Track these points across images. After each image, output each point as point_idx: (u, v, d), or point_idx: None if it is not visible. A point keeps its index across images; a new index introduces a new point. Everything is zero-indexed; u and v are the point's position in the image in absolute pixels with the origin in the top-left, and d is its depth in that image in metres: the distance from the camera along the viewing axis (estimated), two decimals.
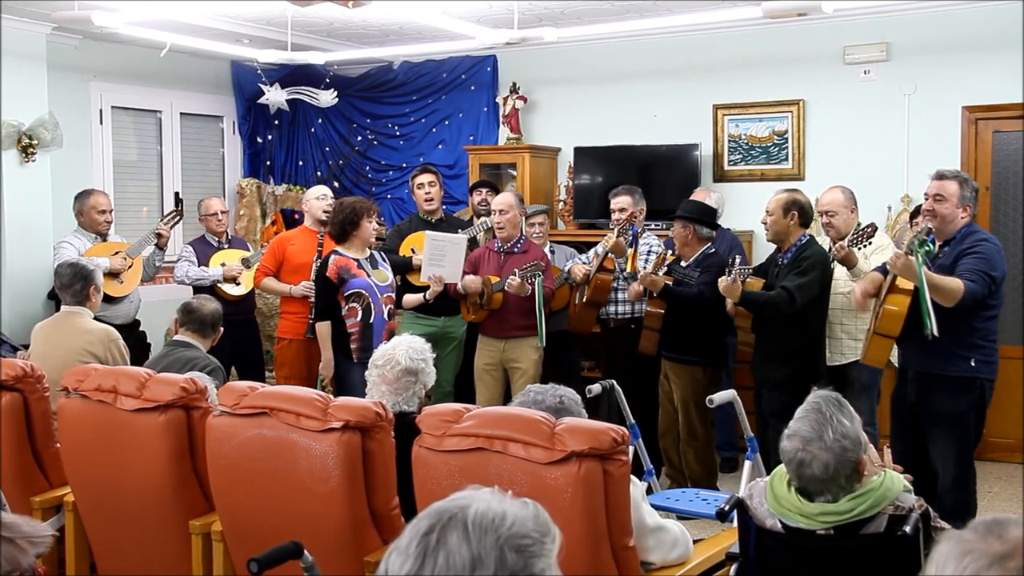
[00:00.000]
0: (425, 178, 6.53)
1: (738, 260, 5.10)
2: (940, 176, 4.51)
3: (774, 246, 5.41)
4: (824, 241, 5.48)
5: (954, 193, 4.44)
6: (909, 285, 4.34)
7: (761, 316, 5.17)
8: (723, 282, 5.03)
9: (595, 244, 6.30)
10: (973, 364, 4.43)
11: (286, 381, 6.04)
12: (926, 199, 4.53)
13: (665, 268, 5.56)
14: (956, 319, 4.32)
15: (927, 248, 4.20)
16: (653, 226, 6.79)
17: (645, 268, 5.77)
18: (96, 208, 6.46)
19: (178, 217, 6.75)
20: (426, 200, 6.49)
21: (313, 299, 5.98)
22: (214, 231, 6.73)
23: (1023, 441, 6.52)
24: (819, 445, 2.58)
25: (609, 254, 5.86)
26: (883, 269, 4.78)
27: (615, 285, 5.95)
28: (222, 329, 4.83)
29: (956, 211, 4.46)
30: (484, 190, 6.96)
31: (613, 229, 5.88)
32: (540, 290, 5.70)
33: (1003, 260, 4.45)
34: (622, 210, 6.00)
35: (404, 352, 3.68)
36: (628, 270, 5.84)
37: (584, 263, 6.09)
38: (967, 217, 4.49)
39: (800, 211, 5.18)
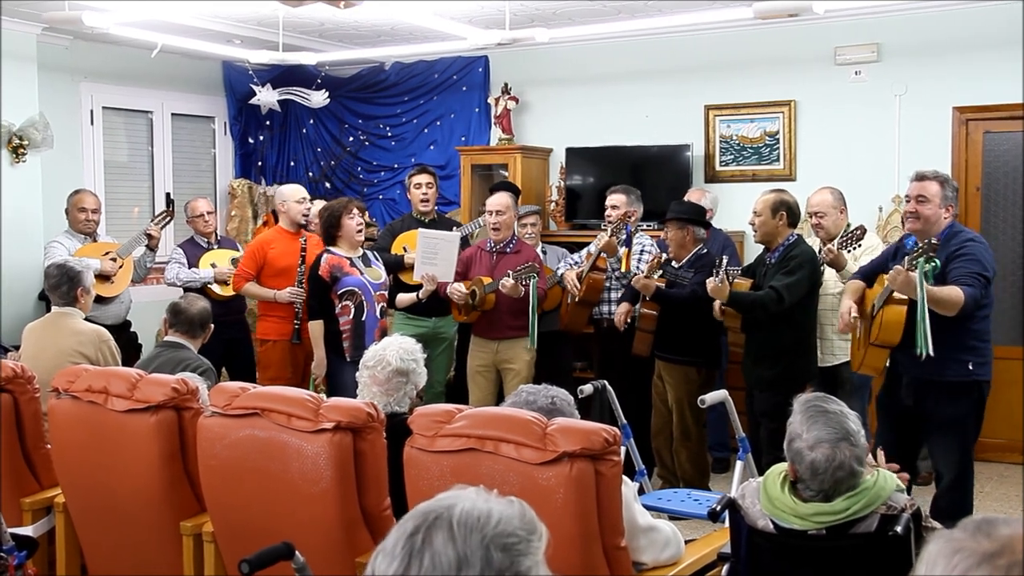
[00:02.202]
0: (423, 178, 6.53)
1: (725, 261, 5.11)
2: (921, 177, 4.43)
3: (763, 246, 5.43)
4: (814, 242, 5.49)
5: (936, 193, 4.37)
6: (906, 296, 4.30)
7: (750, 316, 5.17)
8: (711, 283, 5.04)
9: (587, 245, 6.30)
10: (971, 367, 4.37)
11: (271, 383, 6.02)
12: (907, 201, 4.45)
13: (660, 271, 5.57)
14: (952, 324, 4.27)
15: (934, 265, 4.09)
16: (645, 226, 6.80)
17: (638, 268, 5.78)
18: (77, 206, 6.44)
19: (169, 218, 6.74)
20: (422, 200, 6.48)
21: (298, 305, 5.97)
22: (202, 232, 6.71)
23: (1021, 442, 6.51)
24: (848, 443, 2.61)
25: (602, 253, 5.86)
26: (860, 275, 4.73)
27: (608, 285, 5.95)
28: (212, 327, 4.81)
29: (939, 211, 4.38)
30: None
31: (606, 229, 5.87)
32: (534, 292, 5.70)
33: (991, 257, 4.40)
34: (614, 207, 6.00)
35: (395, 353, 3.67)
36: (623, 270, 5.84)
37: (575, 264, 6.08)
38: (949, 217, 4.44)
39: (788, 211, 5.18)
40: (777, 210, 5.16)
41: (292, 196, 6.31)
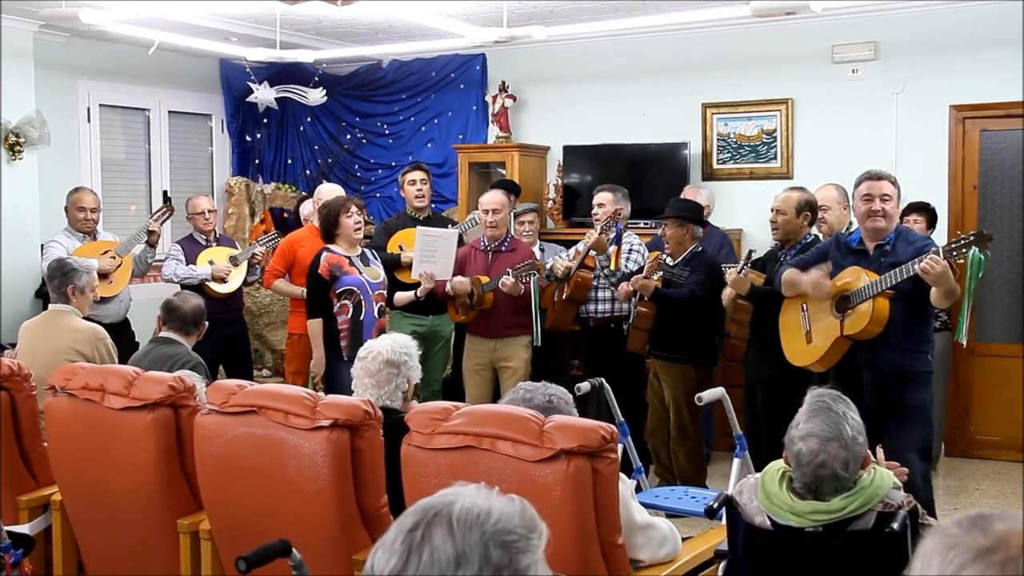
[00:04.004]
0: (417, 175, 6.52)
1: (753, 255, 5.21)
2: (877, 176, 4.40)
3: (761, 244, 5.43)
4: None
5: (894, 192, 4.40)
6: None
7: (766, 310, 5.14)
8: (731, 275, 5.08)
9: None
10: (929, 358, 4.45)
11: (294, 377, 6.07)
12: (868, 200, 4.37)
13: (660, 272, 5.57)
14: (922, 317, 4.35)
15: (985, 255, 4.05)
16: (642, 225, 6.81)
17: (627, 267, 5.79)
18: (76, 204, 6.42)
19: (169, 212, 6.72)
20: (417, 197, 6.47)
21: None
22: (202, 230, 6.69)
23: (1021, 440, 6.51)
24: (839, 444, 2.60)
25: (591, 252, 5.85)
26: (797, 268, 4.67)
27: (595, 283, 5.94)
28: (207, 324, 4.81)
29: (897, 209, 4.45)
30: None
31: (596, 227, 5.87)
32: (535, 289, 5.69)
33: None
34: (600, 205, 5.99)
35: (387, 345, 3.68)
36: (612, 268, 5.83)
37: (567, 260, 6.08)
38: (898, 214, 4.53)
39: (812, 211, 5.23)
40: (802, 210, 5.21)
41: (328, 195, 6.26)
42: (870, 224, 4.40)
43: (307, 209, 6.85)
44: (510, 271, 5.64)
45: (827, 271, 4.56)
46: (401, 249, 6.29)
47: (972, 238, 4.05)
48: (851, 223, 5.40)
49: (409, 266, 6.06)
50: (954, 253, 4.06)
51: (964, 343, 4.40)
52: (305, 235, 6.40)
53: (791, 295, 4.77)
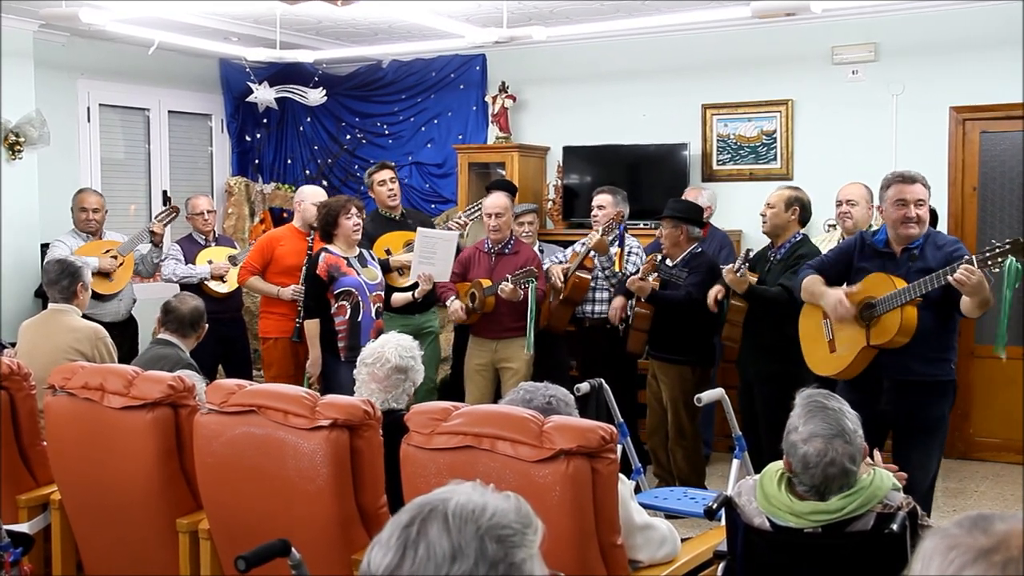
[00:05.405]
0: (386, 174, 6.39)
1: (751, 254, 5.17)
2: (911, 179, 4.17)
3: (760, 245, 5.43)
4: (834, 235, 5.47)
5: (927, 195, 4.20)
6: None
7: (759, 311, 5.12)
8: (728, 273, 5.06)
9: None
10: (952, 367, 4.28)
11: (274, 381, 6.01)
12: (902, 205, 4.13)
13: (655, 273, 5.57)
14: (944, 324, 4.19)
15: (1021, 264, 3.85)
16: (641, 226, 6.81)
17: (627, 269, 5.79)
18: (79, 205, 6.46)
19: (173, 214, 6.71)
20: (389, 196, 6.38)
21: (301, 303, 5.94)
22: (201, 230, 6.69)
23: (1022, 441, 6.50)
24: (843, 439, 2.61)
25: (590, 253, 5.85)
26: (816, 271, 4.48)
27: (593, 285, 5.94)
28: (206, 326, 4.80)
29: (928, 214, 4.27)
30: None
31: (597, 228, 5.87)
32: (533, 296, 5.68)
33: None
34: (600, 207, 5.99)
35: (393, 350, 3.68)
36: (615, 269, 5.83)
37: (561, 262, 6.08)
38: None
39: (801, 208, 5.19)
40: (791, 205, 5.18)
41: (311, 197, 6.23)
42: (903, 231, 4.18)
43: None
44: (509, 277, 5.64)
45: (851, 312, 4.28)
46: (388, 253, 6.19)
47: (1008, 247, 3.83)
48: (870, 226, 5.36)
49: (399, 270, 6.04)
50: (989, 263, 3.85)
51: (1003, 357, 4.22)
52: (285, 234, 6.33)
53: (810, 302, 4.54)
